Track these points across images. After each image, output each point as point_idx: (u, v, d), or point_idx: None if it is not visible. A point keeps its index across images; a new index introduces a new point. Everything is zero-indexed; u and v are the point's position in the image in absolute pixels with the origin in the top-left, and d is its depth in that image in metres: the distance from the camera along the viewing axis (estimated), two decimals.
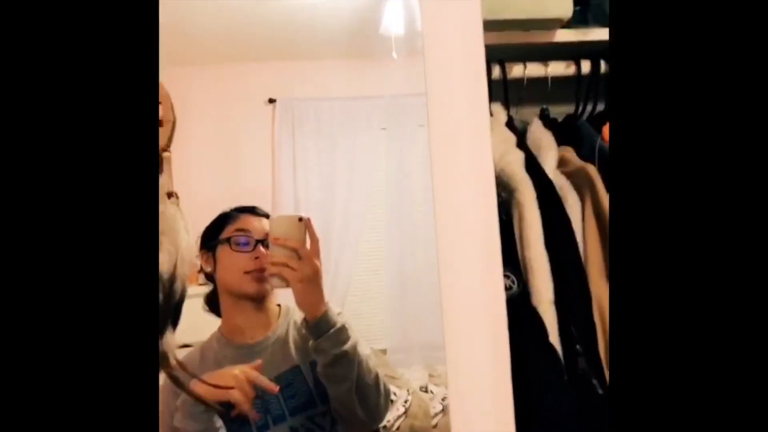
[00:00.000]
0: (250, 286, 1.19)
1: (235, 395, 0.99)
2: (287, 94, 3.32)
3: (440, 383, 2.83)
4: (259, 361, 1.07)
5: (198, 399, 0.97)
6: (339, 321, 1.09)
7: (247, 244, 1.20)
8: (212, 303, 1.28)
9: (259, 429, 1.13)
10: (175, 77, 3.04)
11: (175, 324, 0.67)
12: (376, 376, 1.13)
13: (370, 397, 1.11)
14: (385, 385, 1.15)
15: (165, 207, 0.64)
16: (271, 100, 3.32)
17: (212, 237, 1.24)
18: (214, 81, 3.24)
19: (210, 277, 1.27)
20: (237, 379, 1.01)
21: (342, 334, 1.09)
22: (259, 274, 1.19)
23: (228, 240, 1.21)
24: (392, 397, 2.59)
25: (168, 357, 0.65)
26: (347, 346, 1.08)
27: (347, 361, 1.08)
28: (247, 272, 1.19)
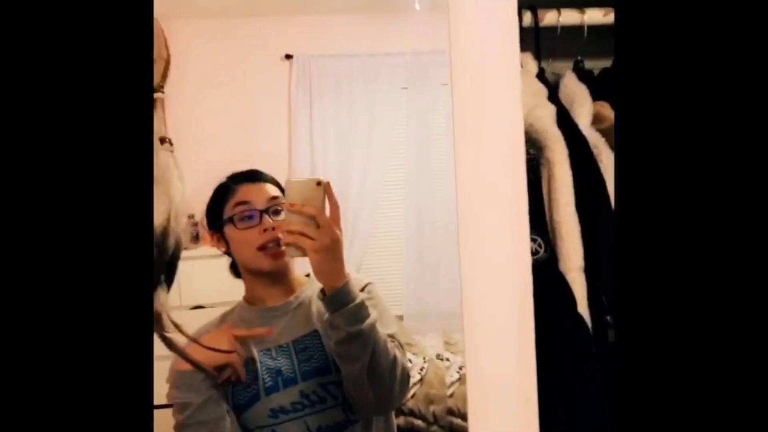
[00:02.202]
0: (265, 263, 1.15)
1: (235, 358, 0.96)
2: (304, 50, 3.24)
3: (457, 351, 2.80)
4: (268, 329, 1.03)
5: (196, 365, 0.94)
6: (358, 296, 1.03)
7: (251, 217, 1.15)
8: (235, 270, 1.25)
9: (268, 390, 1.11)
10: (185, 31, 2.98)
11: (169, 282, 0.62)
12: (393, 361, 1.06)
13: (382, 382, 1.05)
14: (403, 371, 1.08)
15: (156, 154, 0.59)
16: (288, 57, 3.24)
17: (216, 216, 1.20)
18: (227, 36, 3.17)
19: (227, 253, 1.24)
20: (231, 342, 0.97)
21: (360, 311, 1.02)
22: (274, 249, 1.13)
23: (231, 219, 1.16)
24: (408, 365, 2.57)
25: (162, 318, 0.61)
26: (364, 325, 1.02)
27: (362, 341, 1.02)
28: (259, 248, 1.14)
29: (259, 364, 1.13)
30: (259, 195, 1.17)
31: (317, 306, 1.18)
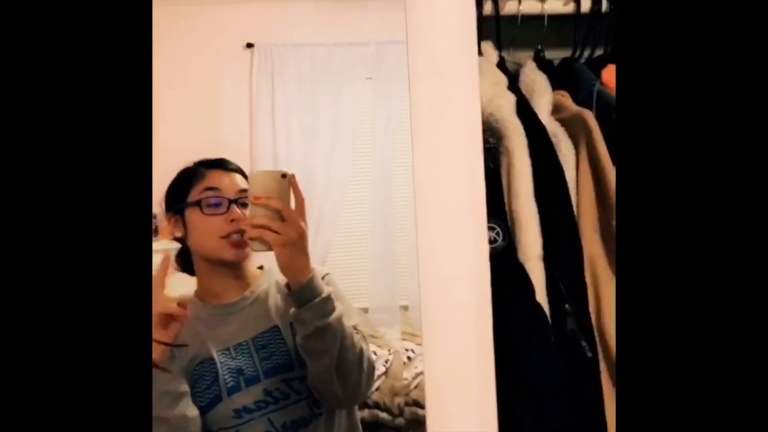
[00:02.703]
0: (228, 253, 1.12)
1: (177, 309, 0.97)
2: (266, 39, 3.19)
3: (422, 344, 2.82)
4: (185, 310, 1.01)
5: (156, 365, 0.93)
6: (324, 290, 1.02)
7: (219, 204, 1.12)
8: (184, 262, 1.22)
9: (230, 390, 1.09)
10: None
11: None
12: (360, 353, 1.06)
13: (350, 375, 1.05)
14: (369, 363, 1.08)
15: None
16: (249, 45, 3.19)
17: (178, 199, 1.16)
18: (187, 23, 3.10)
19: (180, 240, 1.20)
20: (159, 299, 0.96)
21: (327, 304, 1.01)
22: (237, 239, 1.11)
23: (198, 203, 1.12)
24: (373, 356, 2.57)
25: None
26: (331, 318, 1.01)
27: (330, 335, 1.01)
28: (223, 237, 1.11)
29: (219, 365, 1.10)
30: (229, 184, 1.14)
31: (275, 300, 1.17)
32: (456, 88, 0.72)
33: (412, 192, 0.73)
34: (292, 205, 1.01)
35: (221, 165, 1.18)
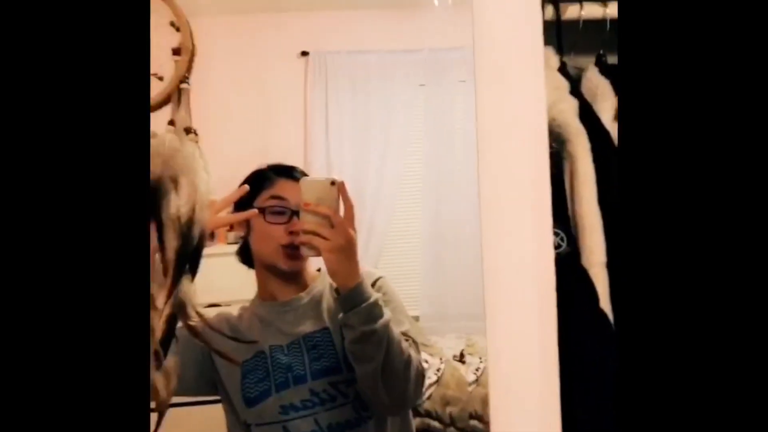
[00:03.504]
0: (283, 262, 1.16)
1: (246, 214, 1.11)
2: (320, 47, 3.25)
3: (474, 353, 2.80)
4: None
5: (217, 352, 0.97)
6: (372, 296, 1.04)
7: (282, 214, 1.16)
8: (245, 256, 1.26)
9: (278, 386, 1.12)
10: (204, 27, 3.00)
11: (193, 272, 0.63)
12: (408, 360, 1.07)
13: (396, 382, 1.06)
14: (418, 370, 1.09)
15: (182, 144, 0.61)
16: (304, 53, 3.26)
17: (247, 201, 1.19)
18: (244, 32, 3.19)
19: (244, 238, 1.25)
20: (220, 216, 1.09)
21: (373, 310, 1.03)
22: (293, 251, 1.14)
23: (263, 210, 1.16)
24: (425, 365, 2.57)
25: (186, 307, 0.62)
26: (377, 325, 1.03)
27: (375, 341, 1.03)
28: (283, 246, 1.15)
29: (270, 360, 1.14)
30: (295, 194, 1.15)
31: (328, 303, 1.20)
32: (521, 93, 0.73)
33: (477, 198, 0.73)
34: (342, 211, 1.04)
35: (290, 174, 1.21)
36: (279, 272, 1.19)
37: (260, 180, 1.20)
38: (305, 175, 1.23)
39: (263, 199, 1.17)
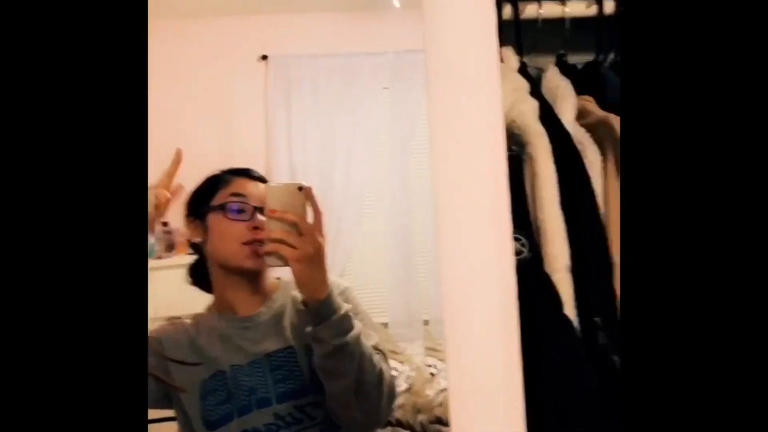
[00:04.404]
0: (247, 260, 1.12)
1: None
2: (281, 50, 3.22)
3: (445, 359, 2.79)
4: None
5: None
6: (343, 307, 1.01)
7: (243, 211, 1.12)
8: (198, 275, 1.22)
9: (240, 411, 1.08)
10: (162, 31, 2.95)
11: None
12: (380, 374, 1.04)
13: (370, 397, 1.03)
14: (390, 385, 1.07)
15: None
16: (264, 57, 3.22)
17: (202, 203, 1.16)
18: (202, 35, 3.15)
19: (197, 247, 1.20)
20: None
21: (345, 322, 1.00)
22: (258, 248, 1.11)
23: (222, 207, 1.13)
24: (394, 373, 2.55)
25: None
26: (349, 337, 1.00)
27: (348, 354, 1.00)
28: (245, 243, 1.11)
29: (231, 381, 1.10)
30: (255, 191, 1.14)
31: (291, 318, 1.16)
32: (477, 95, 0.71)
33: (433, 203, 0.72)
34: (309, 218, 1.01)
35: (247, 173, 1.19)
36: (241, 275, 1.15)
37: (216, 181, 1.18)
38: (261, 176, 1.20)
39: (221, 198, 1.14)
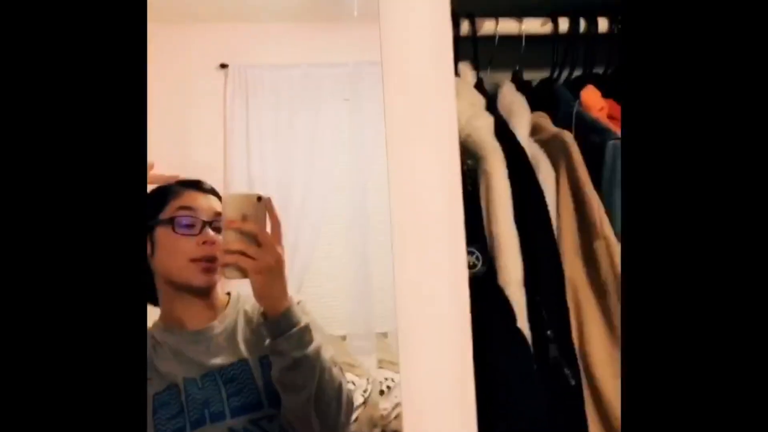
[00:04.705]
0: (196, 278, 1.09)
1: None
2: (240, 59, 3.19)
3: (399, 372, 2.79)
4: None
5: None
6: (303, 320, 0.99)
7: (192, 225, 1.09)
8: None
9: (193, 423, 1.06)
10: None
11: None
12: (339, 387, 1.03)
13: (329, 410, 1.02)
14: (348, 398, 1.06)
15: None
16: (223, 66, 3.19)
17: (150, 215, 1.12)
18: (160, 42, 3.09)
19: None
20: None
21: (305, 335, 0.99)
22: (208, 264, 1.08)
23: (171, 221, 1.09)
24: (351, 386, 2.53)
25: None
26: (309, 350, 0.98)
27: (308, 367, 0.98)
28: (193, 260, 1.08)
29: (184, 395, 1.08)
30: (205, 205, 1.11)
31: (244, 333, 1.14)
32: (432, 109, 0.72)
33: (389, 216, 0.72)
34: (268, 229, 0.99)
35: (197, 186, 1.15)
36: (189, 292, 1.11)
37: (164, 193, 1.13)
38: (212, 188, 1.18)
39: (170, 211, 1.11)
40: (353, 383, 2.61)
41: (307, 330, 0.99)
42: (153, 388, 1.07)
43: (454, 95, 0.72)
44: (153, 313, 1.20)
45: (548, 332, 0.90)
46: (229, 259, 0.96)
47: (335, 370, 1.04)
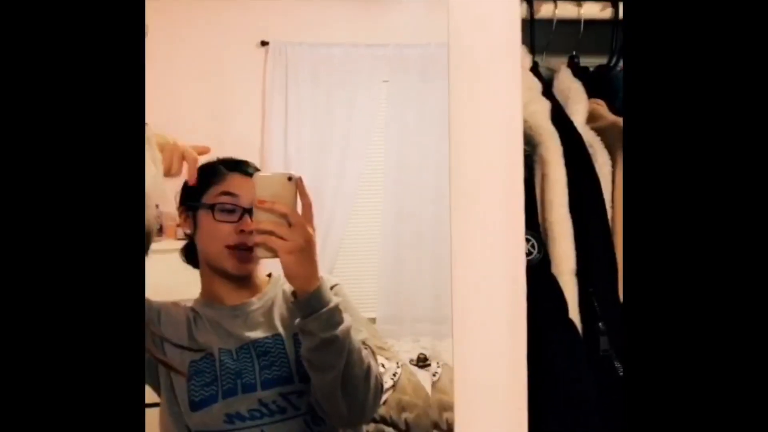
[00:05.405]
0: (230, 264, 1.11)
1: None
2: (281, 37, 3.19)
3: (432, 357, 2.80)
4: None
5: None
6: (333, 300, 0.99)
7: (232, 212, 1.10)
8: (190, 255, 1.21)
9: (225, 392, 1.08)
10: (158, 9, 2.92)
11: None
12: (368, 369, 1.03)
13: (357, 392, 1.02)
14: (377, 380, 1.05)
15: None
16: (264, 43, 3.20)
17: (194, 196, 1.14)
18: (200, 16, 3.11)
19: (189, 237, 1.19)
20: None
21: (334, 316, 0.99)
22: (243, 253, 1.09)
23: (212, 207, 1.11)
24: (381, 369, 2.55)
25: None
26: (338, 331, 0.98)
27: (336, 348, 0.99)
28: (228, 247, 1.10)
29: (218, 364, 1.10)
30: (248, 190, 1.09)
31: (280, 310, 1.15)
32: (496, 93, 0.71)
33: (440, 199, 0.72)
34: (299, 209, 0.99)
35: (243, 168, 1.15)
36: (226, 276, 1.14)
37: (209, 174, 1.14)
38: (258, 170, 1.17)
39: (213, 196, 1.12)
40: (383, 366, 2.62)
41: (336, 310, 0.99)
42: (190, 356, 1.10)
43: (519, 80, 0.71)
44: (194, 289, 1.23)
45: (600, 324, 0.89)
46: (260, 239, 0.96)
47: (365, 352, 1.04)
